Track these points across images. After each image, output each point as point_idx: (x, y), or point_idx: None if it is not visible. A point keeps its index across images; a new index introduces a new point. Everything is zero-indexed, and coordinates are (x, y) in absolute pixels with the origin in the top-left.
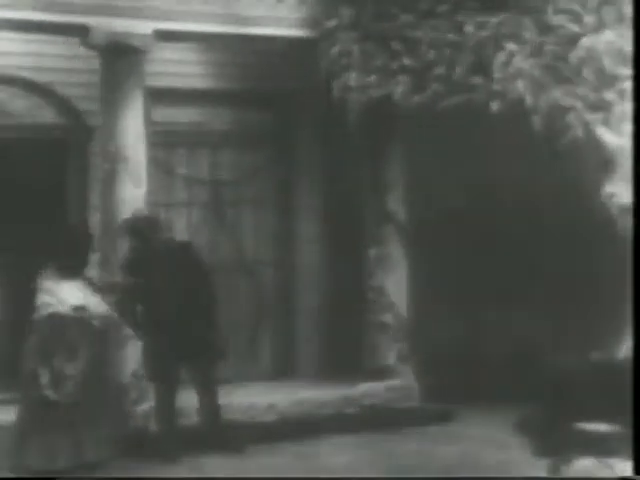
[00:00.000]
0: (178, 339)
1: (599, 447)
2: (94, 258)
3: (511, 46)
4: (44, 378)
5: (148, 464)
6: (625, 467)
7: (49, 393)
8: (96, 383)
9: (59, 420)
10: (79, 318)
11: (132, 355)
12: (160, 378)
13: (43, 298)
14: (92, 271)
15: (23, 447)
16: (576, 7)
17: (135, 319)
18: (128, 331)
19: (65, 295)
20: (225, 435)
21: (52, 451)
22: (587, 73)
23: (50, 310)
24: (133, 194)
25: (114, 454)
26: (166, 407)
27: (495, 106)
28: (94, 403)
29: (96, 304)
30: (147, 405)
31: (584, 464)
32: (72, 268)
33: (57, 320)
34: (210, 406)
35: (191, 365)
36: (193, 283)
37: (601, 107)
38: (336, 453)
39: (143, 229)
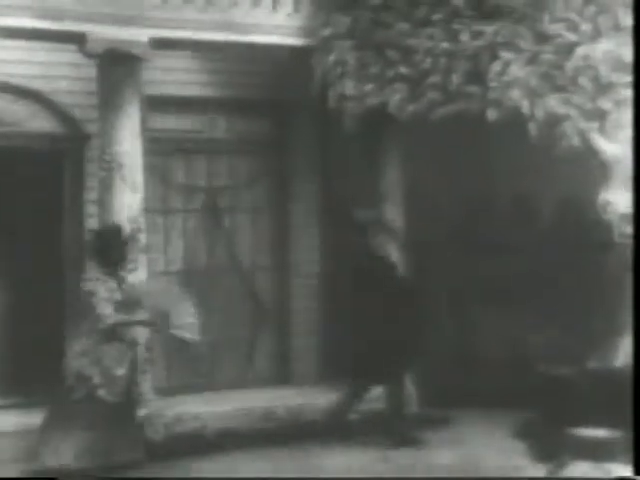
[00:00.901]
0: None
1: (597, 452)
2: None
3: (507, 55)
4: (96, 379)
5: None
6: (622, 471)
7: (102, 393)
8: (134, 385)
9: (103, 419)
10: (127, 320)
11: None
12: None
13: (91, 301)
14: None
15: (53, 446)
16: (572, 16)
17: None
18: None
19: (112, 297)
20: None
21: (84, 450)
22: (583, 81)
23: (99, 312)
24: (129, 201)
25: (143, 456)
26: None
27: (491, 115)
28: (131, 404)
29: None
30: (144, 411)
31: (582, 469)
32: (112, 268)
33: (107, 323)
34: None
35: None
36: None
37: (597, 115)
38: (335, 458)
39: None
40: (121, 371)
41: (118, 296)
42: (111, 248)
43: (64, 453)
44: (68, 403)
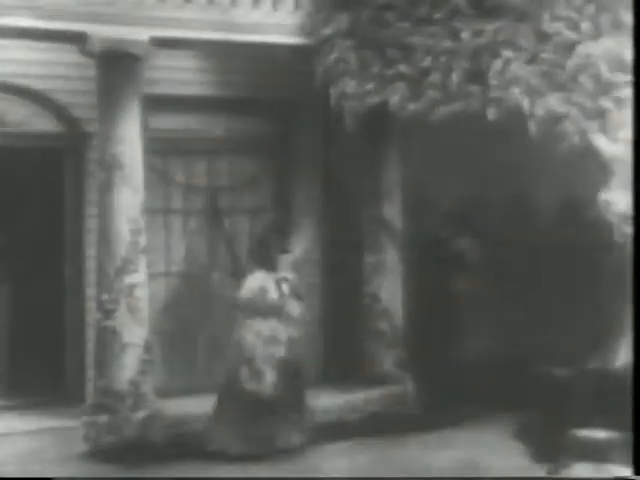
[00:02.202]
0: None
1: (597, 453)
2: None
3: (507, 53)
4: (244, 373)
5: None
6: (622, 473)
7: (248, 386)
8: (289, 378)
9: (257, 410)
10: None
11: (129, 362)
12: None
13: (246, 297)
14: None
15: (221, 434)
16: (573, 14)
17: None
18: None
19: (265, 292)
20: None
21: (251, 438)
22: (583, 80)
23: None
24: (130, 201)
25: (303, 442)
26: None
27: (491, 113)
28: (287, 395)
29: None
30: (144, 412)
31: (582, 470)
32: (266, 263)
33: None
34: None
35: None
36: None
37: (597, 114)
38: (335, 460)
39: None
40: (265, 366)
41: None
42: (269, 245)
43: (227, 438)
44: (229, 392)
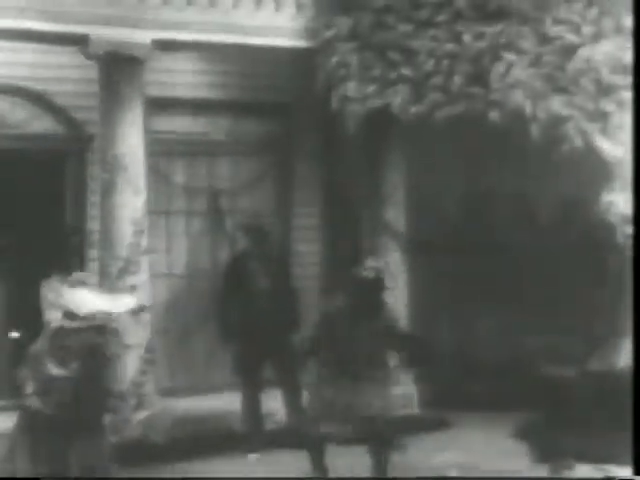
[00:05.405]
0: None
1: (597, 454)
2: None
3: (509, 56)
4: (29, 387)
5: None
6: (623, 473)
7: (32, 402)
8: (88, 394)
9: (43, 428)
10: (83, 328)
11: (131, 363)
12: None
13: (49, 313)
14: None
15: (13, 454)
16: (575, 17)
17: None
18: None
19: (73, 304)
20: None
21: (37, 458)
22: (585, 83)
23: (54, 325)
24: (132, 203)
25: (107, 463)
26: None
27: (493, 116)
28: (86, 413)
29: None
30: (145, 413)
31: (582, 471)
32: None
33: (59, 333)
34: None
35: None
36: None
37: (599, 117)
38: (335, 460)
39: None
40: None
41: None
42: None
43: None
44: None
